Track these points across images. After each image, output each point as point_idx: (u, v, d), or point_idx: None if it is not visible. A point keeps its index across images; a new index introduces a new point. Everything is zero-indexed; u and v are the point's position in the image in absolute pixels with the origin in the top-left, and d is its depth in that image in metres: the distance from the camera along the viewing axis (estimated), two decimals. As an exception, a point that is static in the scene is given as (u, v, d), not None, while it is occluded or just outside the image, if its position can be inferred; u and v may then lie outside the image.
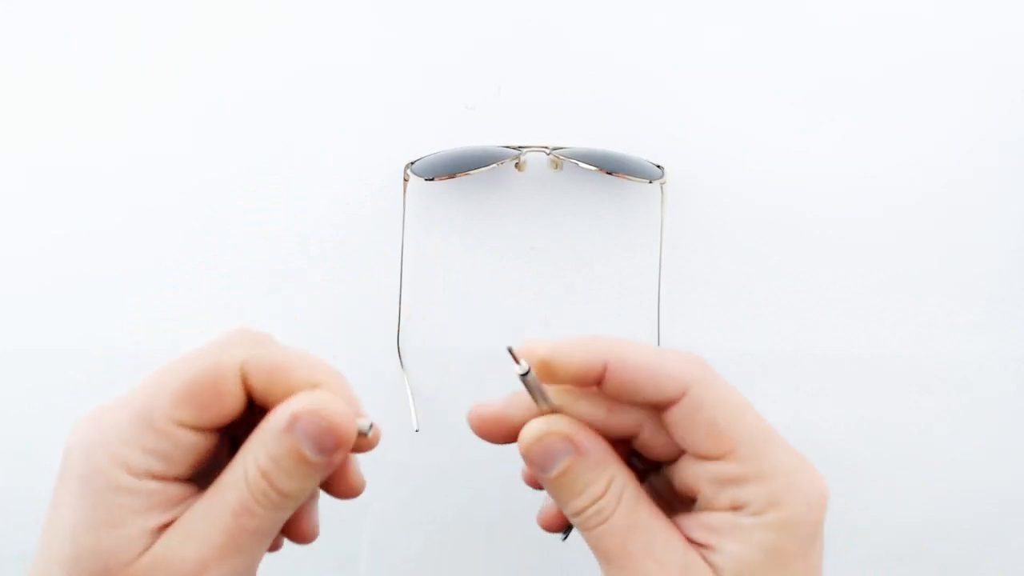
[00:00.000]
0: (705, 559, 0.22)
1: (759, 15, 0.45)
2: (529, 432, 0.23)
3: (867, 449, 0.45)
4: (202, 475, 0.23)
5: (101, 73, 0.45)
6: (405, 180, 0.44)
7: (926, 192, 0.45)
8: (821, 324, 0.45)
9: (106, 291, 0.44)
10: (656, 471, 0.26)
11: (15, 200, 0.45)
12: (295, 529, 0.25)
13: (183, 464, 0.22)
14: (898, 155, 0.45)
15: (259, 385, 0.23)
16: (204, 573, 0.21)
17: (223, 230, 0.44)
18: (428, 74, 0.45)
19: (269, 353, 0.23)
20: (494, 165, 0.41)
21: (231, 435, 0.24)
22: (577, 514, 0.23)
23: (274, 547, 0.25)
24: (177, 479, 0.22)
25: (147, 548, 0.21)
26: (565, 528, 0.27)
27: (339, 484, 0.25)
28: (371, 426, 0.25)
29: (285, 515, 0.23)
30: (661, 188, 0.44)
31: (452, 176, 0.42)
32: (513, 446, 0.24)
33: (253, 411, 0.23)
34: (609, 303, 0.44)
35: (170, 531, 0.22)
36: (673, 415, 0.23)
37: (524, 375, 0.22)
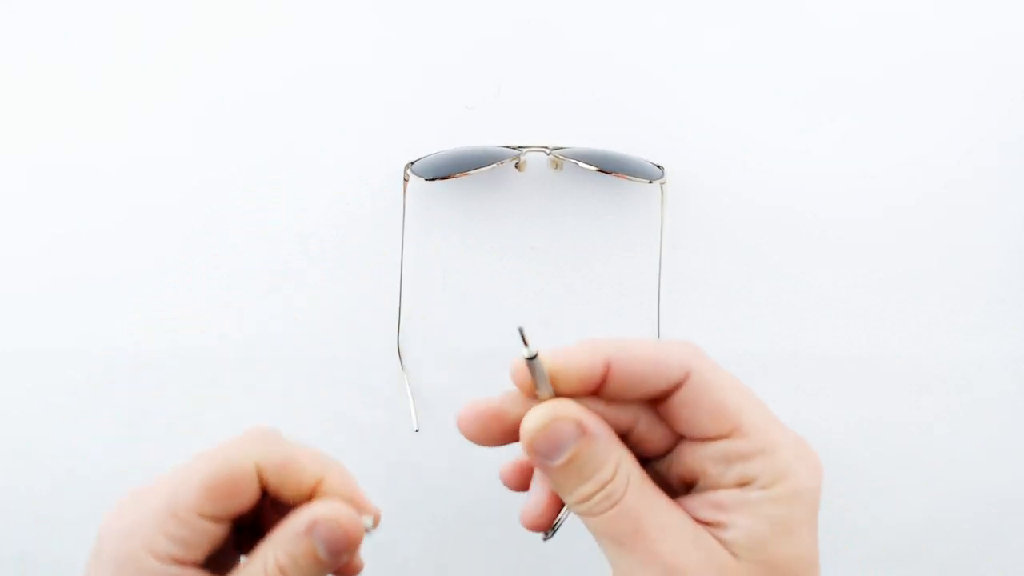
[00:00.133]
0: (714, 536, 0.23)
1: (759, 15, 0.45)
2: (536, 419, 0.23)
3: (867, 449, 0.45)
4: (212, 560, 0.26)
5: (101, 73, 0.45)
6: (405, 180, 0.44)
7: (926, 192, 0.45)
8: (821, 324, 0.45)
9: (106, 291, 0.44)
10: (645, 466, 0.26)
11: (15, 200, 0.45)
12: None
13: (200, 550, 0.25)
14: (898, 155, 0.45)
15: (272, 480, 0.26)
16: None
17: (223, 230, 0.44)
18: (428, 74, 0.45)
19: (280, 450, 0.26)
20: (494, 165, 0.41)
21: (237, 524, 0.26)
22: (585, 500, 0.23)
23: None
24: (195, 564, 0.25)
25: None
26: (551, 527, 0.26)
27: (344, 571, 0.29)
28: (374, 521, 0.27)
29: None
30: (661, 188, 0.44)
31: (452, 176, 0.42)
32: (511, 448, 0.24)
33: (263, 501, 0.26)
34: (609, 303, 0.45)
35: None
36: (676, 400, 0.23)
37: (532, 359, 0.22)
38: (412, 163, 0.43)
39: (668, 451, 0.25)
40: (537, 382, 0.23)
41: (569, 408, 0.23)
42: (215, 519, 0.25)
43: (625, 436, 0.25)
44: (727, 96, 0.45)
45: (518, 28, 0.45)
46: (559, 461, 0.23)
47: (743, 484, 0.23)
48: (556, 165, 0.43)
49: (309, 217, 0.44)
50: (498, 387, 0.24)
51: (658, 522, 0.23)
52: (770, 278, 0.45)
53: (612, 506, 0.23)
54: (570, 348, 0.23)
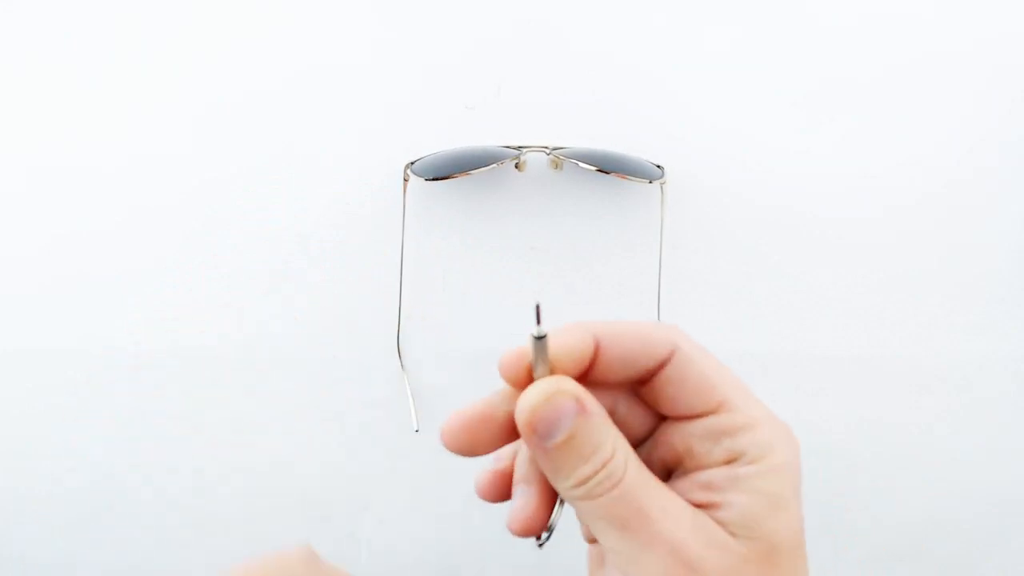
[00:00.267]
0: (711, 517, 0.22)
1: (759, 15, 0.45)
2: (536, 394, 0.22)
3: (867, 449, 0.45)
4: None
5: (101, 73, 0.45)
6: (405, 180, 0.44)
7: (926, 192, 0.45)
8: (821, 324, 0.45)
9: (106, 291, 0.44)
10: None
11: (15, 200, 0.45)
12: None
13: None
14: (898, 155, 0.45)
15: None
16: None
17: (223, 230, 0.44)
18: (428, 74, 0.45)
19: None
20: (494, 165, 0.41)
21: None
22: (584, 482, 0.22)
23: None
24: None
25: None
26: (546, 531, 0.26)
27: None
28: None
29: None
30: (661, 188, 0.44)
31: (452, 176, 0.42)
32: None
33: None
34: (609, 303, 0.44)
35: None
36: (662, 378, 0.23)
37: (541, 338, 0.22)
38: (412, 163, 0.43)
39: (646, 437, 0.25)
40: (536, 363, 0.22)
41: (568, 383, 0.22)
42: None
43: None
44: (727, 96, 0.45)
45: (518, 28, 0.45)
46: (558, 439, 0.22)
47: (731, 460, 0.23)
48: (556, 165, 0.43)
49: (309, 217, 0.44)
50: (498, 387, 0.24)
51: (660, 502, 0.22)
52: (770, 278, 0.45)
53: (613, 486, 0.22)
54: (559, 328, 0.23)
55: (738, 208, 0.45)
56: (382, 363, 0.44)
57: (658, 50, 0.45)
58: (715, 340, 0.44)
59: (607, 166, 0.42)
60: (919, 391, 0.45)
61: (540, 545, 0.25)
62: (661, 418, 0.25)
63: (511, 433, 0.23)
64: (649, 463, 0.24)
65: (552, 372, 0.22)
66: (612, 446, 0.22)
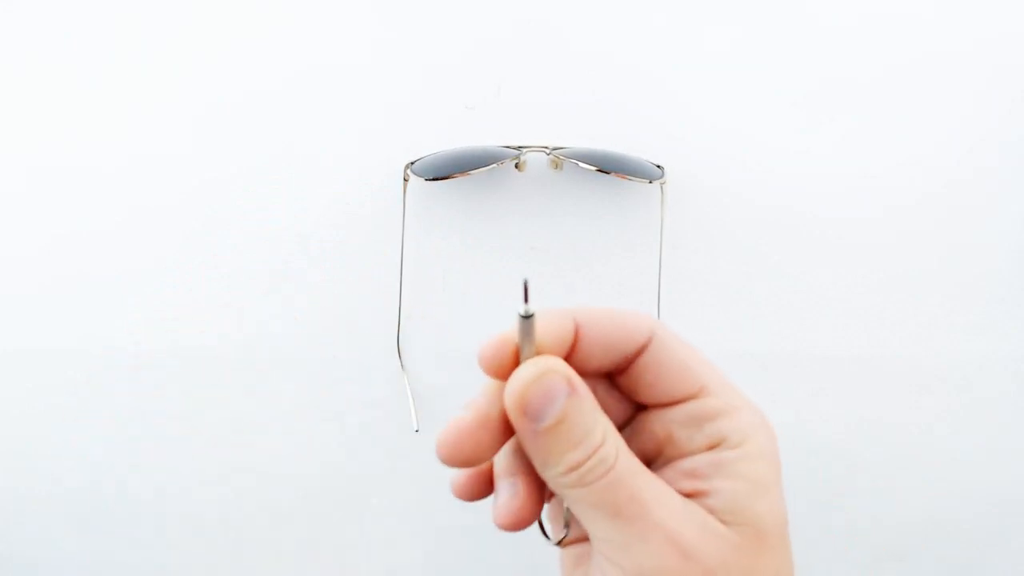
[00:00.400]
0: (700, 505, 0.22)
1: (759, 15, 0.45)
2: (526, 373, 0.21)
3: (867, 449, 0.45)
4: None
5: (101, 73, 0.45)
6: (405, 180, 0.44)
7: (926, 192, 0.45)
8: (821, 324, 0.45)
9: (106, 291, 0.44)
10: None
11: (15, 200, 0.45)
12: None
13: None
14: (898, 155, 0.45)
15: None
16: None
17: (223, 230, 0.44)
18: (428, 74, 0.45)
19: None
20: (494, 165, 0.41)
21: None
22: (575, 468, 0.21)
23: None
24: None
25: None
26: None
27: None
28: None
29: None
30: (661, 188, 0.44)
31: (452, 176, 0.42)
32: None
33: None
34: (609, 303, 0.44)
35: None
36: (640, 364, 0.23)
37: (529, 317, 0.21)
38: (412, 163, 0.43)
39: (622, 428, 0.24)
40: (523, 344, 0.22)
41: (558, 363, 0.22)
42: None
43: None
44: (727, 96, 0.45)
45: (518, 28, 0.45)
46: (548, 422, 0.21)
47: (713, 446, 0.22)
48: (556, 165, 0.43)
49: (309, 217, 0.44)
50: (483, 387, 0.23)
51: (653, 489, 0.22)
52: (770, 278, 0.45)
53: (606, 473, 0.21)
54: (540, 312, 0.22)
55: (738, 208, 0.45)
56: (382, 363, 0.44)
57: (658, 50, 0.45)
58: (715, 340, 0.44)
59: (607, 166, 0.42)
60: (919, 391, 0.45)
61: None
62: (638, 408, 0.24)
63: (508, 433, 0.23)
64: None
65: (539, 354, 0.22)
66: (603, 431, 0.22)
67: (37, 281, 0.45)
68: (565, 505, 0.24)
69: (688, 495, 0.22)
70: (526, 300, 0.21)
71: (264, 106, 0.45)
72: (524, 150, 0.43)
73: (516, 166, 0.43)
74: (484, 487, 0.25)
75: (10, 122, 0.45)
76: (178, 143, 0.45)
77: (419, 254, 0.44)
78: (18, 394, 0.45)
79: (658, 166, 0.44)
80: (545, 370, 0.21)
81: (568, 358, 0.23)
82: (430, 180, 0.42)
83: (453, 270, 0.44)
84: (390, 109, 0.45)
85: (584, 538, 0.24)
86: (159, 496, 0.45)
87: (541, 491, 0.24)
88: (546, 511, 0.26)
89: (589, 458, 0.21)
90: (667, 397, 0.23)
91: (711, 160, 0.45)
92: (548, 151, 0.42)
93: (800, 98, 0.45)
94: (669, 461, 0.23)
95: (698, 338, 0.44)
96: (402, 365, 0.44)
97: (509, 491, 0.23)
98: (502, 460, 0.24)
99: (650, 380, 0.23)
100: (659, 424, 0.23)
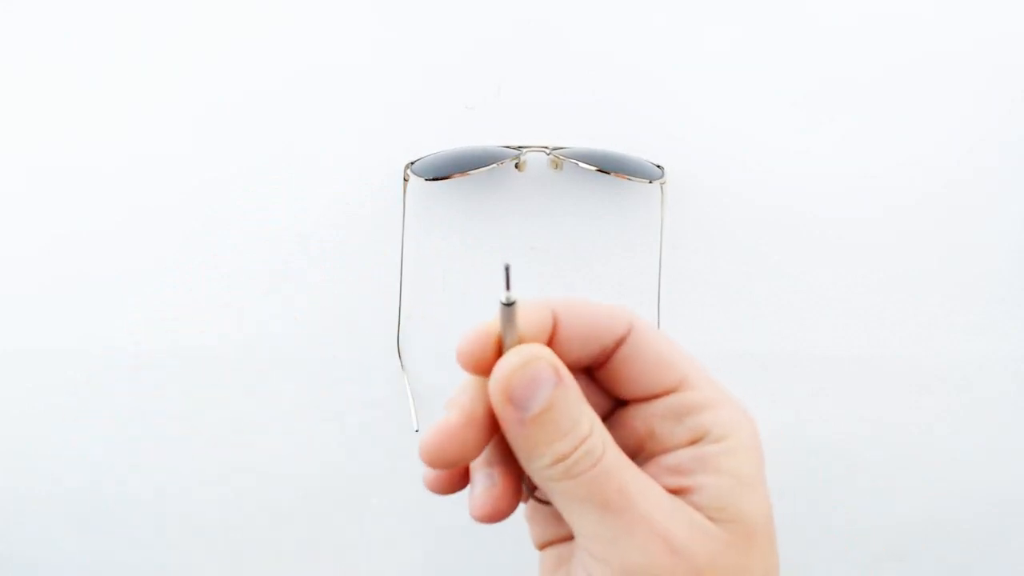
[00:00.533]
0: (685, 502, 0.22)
1: (759, 15, 0.45)
2: (512, 360, 0.21)
3: (867, 449, 0.45)
4: None
5: (101, 73, 0.45)
6: (405, 180, 0.44)
7: (926, 192, 0.45)
8: (821, 324, 0.45)
9: (106, 291, 0.44)
10: None
11: (15, 200, 0.45)
12: None
13: None
14: (898, 155, 0.45)
15: None
16: None
17: (223, 230, 0.44)
18: (428, 74, 0.45)
19: None
20: (494, 165, 0.41)
21: None
22: (562, 459, 0.21)
23: None
24: None
25: None
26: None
27: None
28: None
29: None
30: (661, 188, 0.44)
31: (452, 176, 0.42)
32: None
33: None
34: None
35: None
36: (620, 357, 0.23)
37: (511, 304, 0.21)
38: (412, 163, 0.43)
39: (604, 418, 0.24)
40: (506, 332, 0.21)
41: (545, 351, 0.21)
42: None
43: None
44: (727, 96, 0.45)
45: (518, 28, 0.45)
46: (534, 410, 0.21)
47: (695, 440, 0.22)
48: (556, 165, 0.43)
49: (309, 217, 0.44)
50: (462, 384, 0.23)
51: (640, 482, 0.21)
52: (770, 278, 0.45)
53: (593, 465, 0.21)
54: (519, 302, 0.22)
55: (738, 208, 0.45)
56: (382, 363, 0.44)
57: (658, 50, 0.45)
58: (715, 340, 0.44)
59: (607, 166, 0.42)
60: (919, 391, 0.45)
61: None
62: (617, 404, 0.24)
63: (493, 430, 0.22)
64: None
65: (521, 343, 0.21)
66: (589, 423, 0.21)
67: (37, 281, 0.45)
68: (529, 479, 0.23)
69: (673, 491, 0.22)
70: (508, 287, 0.21)
71: (264, 106, 0.45)
72: (524, 150, 0.43)
73: (516, 166, 0.43)
74: (459, 480, 0.24)
75: (10, 122, 0.45)
76: (178, 143, 0.45)
77: (419, 254, 0.44)
78: (18, 394, 0.45)
79: (658, 166, 0.44)
80: (531, 357, 0.21)
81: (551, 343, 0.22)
82: (430, 180, 0.42)
83: (453, 270, 0.44)
84: (390, 109, 0.45)
85: (564, 538, 0.24)
86: (159, 496, 0.45)
87: (518, 482, 0.23)
88: (524, 511, 0.25)
89: (576, 449, 0.21)
90: (647, 391, 0.23)
91: (711, 160, 0.45)
92: (548, 151, 0.42)
93: (800, 98, 0.45)
94: (651, 457, 0.23)
95: (698, 338, 0.44)
96: (402, 365, 0.44)
97: (486, 482, 0.23)
98: None
99: (629, 373, 0.23)
100: (640, 419, 0.23)
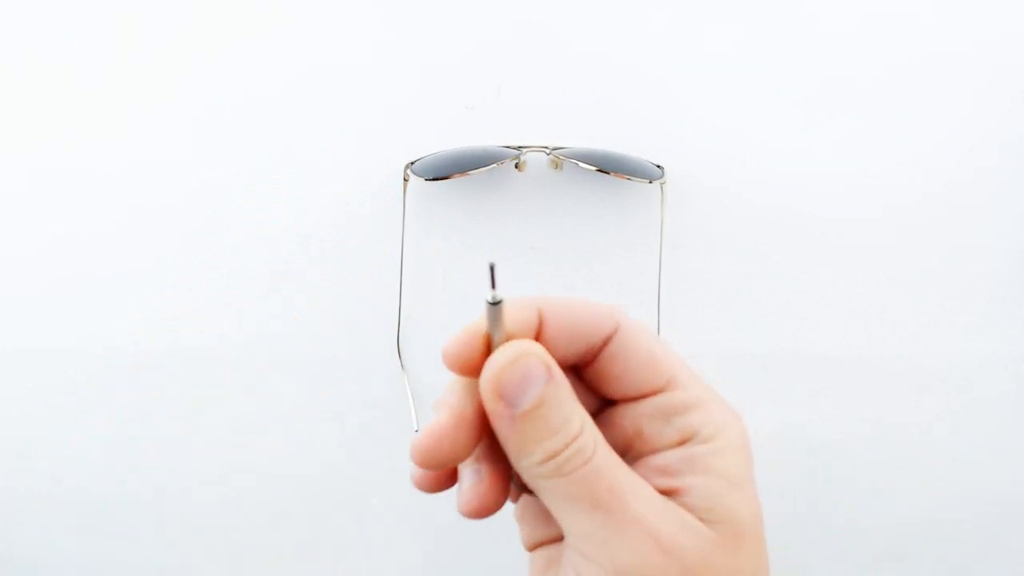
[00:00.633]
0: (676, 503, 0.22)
1: (759, 15, 0.45)
2: (503, 356, 0.21)
3: (867, 449, 0.45)
4: None
5: (101, 73, 0.45)
6: (405, 180, 0.44)
7: (926, 192, 0.45)
8: (821, 324, 0.45)
9: (106, 291, 0.44)
10: None
11: (15, 200, 0.45)
12: None
13: None
14: (898, 155, 0.45)
15: None
16: None
17: (223, 230, 0.44)
18: (428, 74, 0.45)
19: None
20: (494, 165, 0.41)
21: None
22: (552, 457, 0.21)
23: None
24: None
25: None
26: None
27: None
28: None
29: None
30: (661, 188, 0.44)
31: (452, 176, 0.42)
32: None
33: None
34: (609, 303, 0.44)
35: None
36: (607, 356, 0.22)
37: (497, 303, 0.21)
38: (412, 163, 0.43)
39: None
40: (493, 331, 0.21)
41: (536, 347, 0.21)
42: None
43: None
44: (727, 96, 0.45)
45: (518, 28, 0.45)
46: (525, 407, 0.20)
47: (684, 440, 0.22)
48: (556, 165, 0.43)
49: (309, 217, 0.44)
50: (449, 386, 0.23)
51: (631, 481, 0.21)
52: (770, 278, 0.45)
53: (584, 463, 0.20)
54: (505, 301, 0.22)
55: (738, 208, 0.45)
56: (382, 363, 0.44)
57: (658, 50, 0.45)
58: (715, 340, 0.44)
59: (607, 166, 0.42)
60: (919, 391, 0.45)
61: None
62: (605, 404, 0.24)
63: (484, 430, 0.22)
64: None
65: (510, 340, 0.21)
66: (580, 421, 0.21)
67: (37, 281, 0.45)
68: (519, 478, 0.23)
69: (663, 492, 0.22)
70: (493, 286, 0.21)
71: (264, 106, 0.45)
72: (524, 150, 0.43)
73: (516, 166, 0.43)
74: (447, 478, 0.24)
75: (10, 122, 0.45)
76: (178, 143, 0.45)
77: (419, 254, 0.44)
78: (18, 394, 0.45)
79: (658, 166, 0.44)
80: (522, 353, 0.21)
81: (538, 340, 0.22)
82: (430, 180, 0.42)
83: (453, 270, 0.44)
84: (390, 109, 0.45)
85: (555, 539, 0.24)
86: (159, 496, 0.45)
87: (506, 478, 0.23)
88: (514, 510, 0.25)
89: (567, 446, 0.21)
90: (635, 390, 0.23)
91: (711, 160, 0.45)
92: (548, 151, 0.42)
93: (800, 98, 0.45)
94: (639, 457, 0.23)
95: (698, 338, 0.44)
96: (402, 365, 0.44)
97: (473, 478, 0.23)
98: None
99: (617, 372, 0.23)
100: (628, 419, 0.23)
